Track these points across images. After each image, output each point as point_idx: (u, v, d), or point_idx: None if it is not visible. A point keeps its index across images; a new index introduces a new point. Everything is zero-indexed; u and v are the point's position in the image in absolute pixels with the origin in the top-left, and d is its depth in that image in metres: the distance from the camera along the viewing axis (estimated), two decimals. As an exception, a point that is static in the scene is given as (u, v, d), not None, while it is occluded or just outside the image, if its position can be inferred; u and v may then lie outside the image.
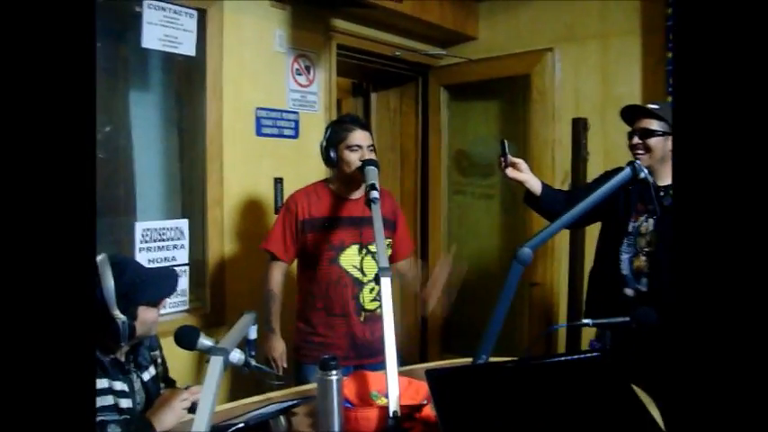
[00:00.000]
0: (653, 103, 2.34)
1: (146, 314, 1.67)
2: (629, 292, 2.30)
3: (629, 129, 2.35)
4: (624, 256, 2.32)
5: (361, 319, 2.39)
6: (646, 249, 2.27)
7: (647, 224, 2.28)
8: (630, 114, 2.36)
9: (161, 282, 1.75)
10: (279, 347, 2.44)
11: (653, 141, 2.25)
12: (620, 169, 2.39)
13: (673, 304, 1.95)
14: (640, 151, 2.28)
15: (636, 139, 2.29)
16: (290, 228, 2.42)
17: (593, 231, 2.63)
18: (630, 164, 1.84)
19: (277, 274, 2.45)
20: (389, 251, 2.48)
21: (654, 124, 2.26)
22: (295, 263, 2.53)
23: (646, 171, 1.82)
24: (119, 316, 1.60)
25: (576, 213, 1.76)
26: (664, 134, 2.25)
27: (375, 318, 2.38)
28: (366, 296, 2.40)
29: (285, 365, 2.46)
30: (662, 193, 2.21)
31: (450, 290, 2.44)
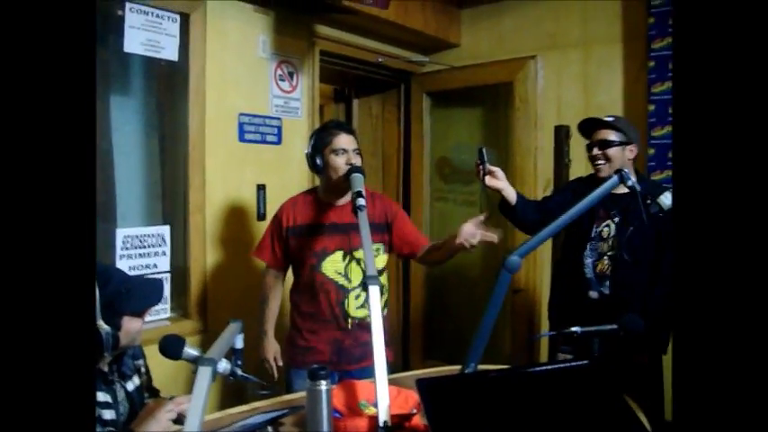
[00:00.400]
0: (608, 117, 2.47)
1: (130, 324, 1.64)
2: (593, 294, 2.42)
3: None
4: (588, 261, 2.44)
5: (348, 326, 2.37)
6: (609, 253, 2.39)
7: (609, 229, 2.40)
8: (588, 127, 2.49)
9: (146, 291, 1.71)
10: (271, 348, 2.49)
11: (611, 151, 2.39)
12: (591, 176, 2.50)
13: (640, 306, 2.03)
14: (600, 161, 2.41)
15: (596, 150, 2.42)
16: (277, 236, 2.45)
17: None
18: (618, 172, 1.87)
19: (269, 279, 2.50)
20: (384, 255, 2.46)
21: (611, 135, 2.40)
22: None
23: (633, 179, 1.84)
24: (103, 326, 1.56)
25: (564, 221, 1.76)
26: (620, 144, 2.38)
27: (363, 325, 2.36)
28: (351, 303, 2.38)
29: (280, 364, 2.50)
30: (649, 202, 2.25)
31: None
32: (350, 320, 2.37)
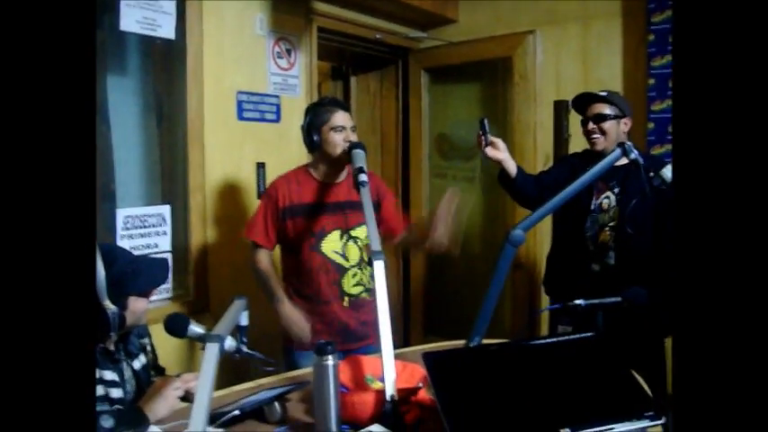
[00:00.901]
0: (601, 91, 2.48)
1: (136, 304, 1.65)
2: (595, 267, 2.43)
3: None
4: (589, 233, 2.44)
5: (345, 304, 2.37)
6: (610, 224, 2.40)
7: (609, 200, 2.41)
8: (582, 102, 2.50)
9: (152, 271, 1.72)
10: (293, 316, 2.29)
11: (607, 125, 2.40)
12: (587, 151, 2.53)
13: (643, 277, 2.04)
14: (596, 135, 2.43)
15: (591, 125, 2.44)
16: (271, 216, 2.38)
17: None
18: (621, 145, 1.87)
19: (264, 258, 2.41)
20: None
21: (606, 109, 2.41)
22: (277, 249, 2.49)
23: (636, 152, 1.84)
24: (109, 306, 1.56)
25: (568, 194, 1.77)
26: (615, 117, 2.41)
27: (359, 303, 2.37)
28: (348, 281, 2.38)
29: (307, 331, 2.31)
30: (651, 175, 2.26)
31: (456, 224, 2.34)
32: (346, 298, 2.38)
